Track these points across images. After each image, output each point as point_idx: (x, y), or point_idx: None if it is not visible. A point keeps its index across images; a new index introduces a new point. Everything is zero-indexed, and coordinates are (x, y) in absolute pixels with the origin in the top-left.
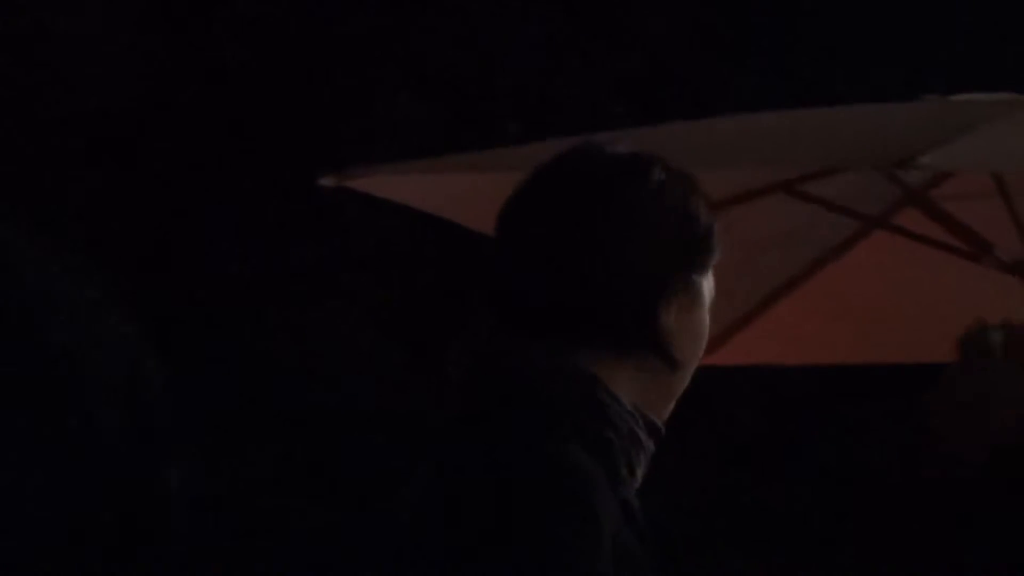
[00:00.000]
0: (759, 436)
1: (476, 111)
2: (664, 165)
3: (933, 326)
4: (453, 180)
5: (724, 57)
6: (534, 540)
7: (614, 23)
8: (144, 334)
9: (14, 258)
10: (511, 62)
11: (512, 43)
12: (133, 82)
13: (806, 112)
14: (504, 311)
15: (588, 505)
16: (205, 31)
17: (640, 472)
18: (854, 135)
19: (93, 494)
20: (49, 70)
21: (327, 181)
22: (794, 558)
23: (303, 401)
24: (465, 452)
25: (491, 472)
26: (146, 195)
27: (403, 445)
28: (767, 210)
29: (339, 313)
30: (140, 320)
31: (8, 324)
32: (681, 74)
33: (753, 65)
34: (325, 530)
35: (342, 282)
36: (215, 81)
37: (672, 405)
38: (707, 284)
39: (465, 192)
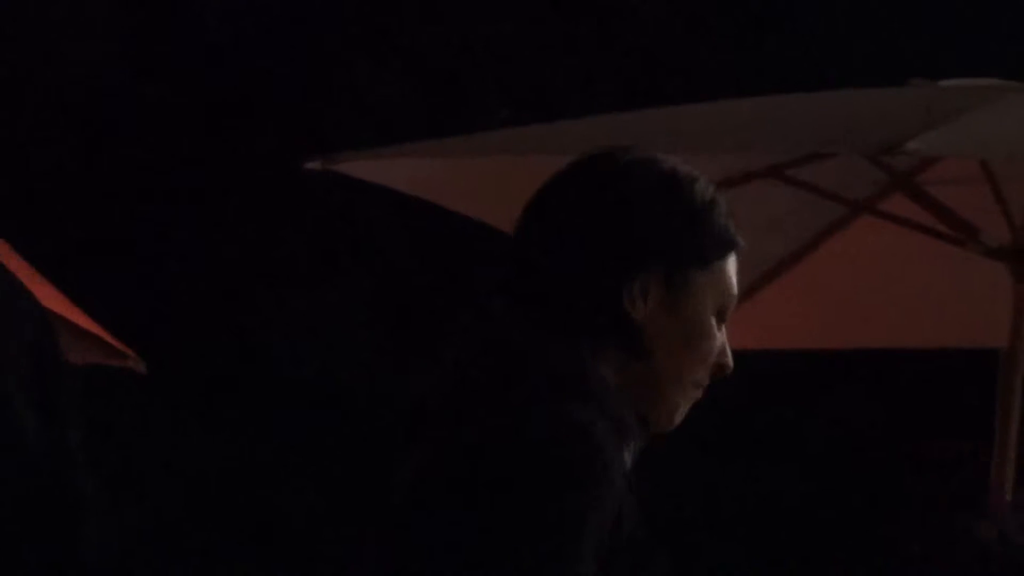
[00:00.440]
0: (743, 421)
1: (463, 96)
2: (675, 166)
3: (919, 311)
4: (438, 164)
5: (714, 44)
6: (546, 496)
7: (603, 8)
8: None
9: None
10: (499, 48)
11: (500, 29)
12: (113, 65)
13: (793, 97)
14: (509, 296)
15: (601, 459)
16: (191, 14)
17: (628, 455)
18: (841, 120)
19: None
20: (26, 51)
21: (313, 165)
22: (776, 541)
23: (289, 382)
24: (470, 426)
25: (503, 436)
26: (126, 179)
27: (392, 427)
28: (754, 195)
29: (326, 297)
30: (119, 305)
31: None
32: (670, 60)
33: (744, 53)
34: (314, 511)
35: (329, 266)
36: (200, 65)
37: (668, 405)
38: (706, 281)
39: (450, 176)
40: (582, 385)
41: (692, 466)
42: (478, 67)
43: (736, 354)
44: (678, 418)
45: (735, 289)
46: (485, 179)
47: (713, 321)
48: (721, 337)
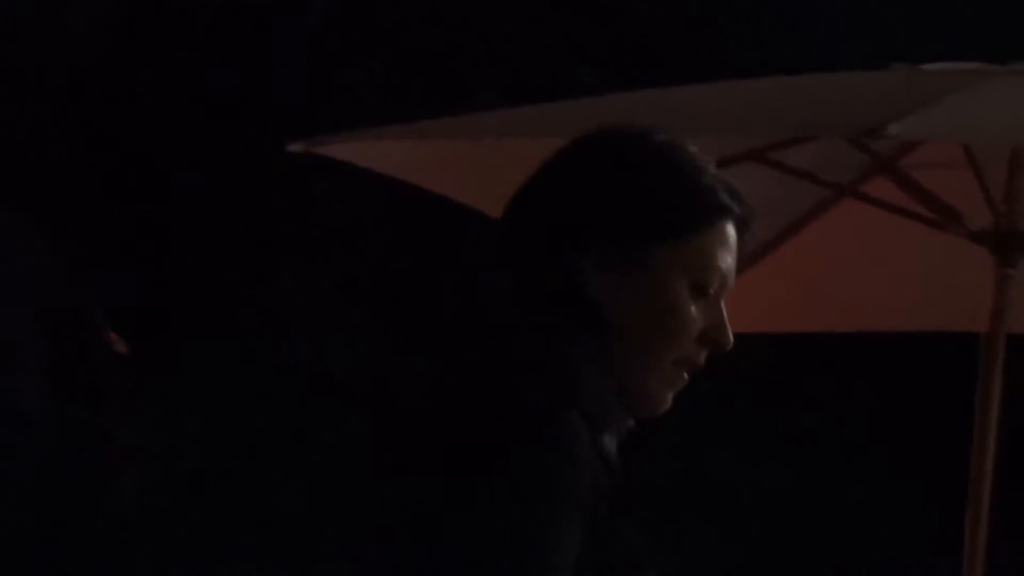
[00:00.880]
0: (723, 404)
1: (448, 78)
2: (662, 140)
3: (900, 295)
4: (422, 146)
5: (699, 29)
6: (520, 488)
7: (600, 5)
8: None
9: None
10: (484, 30)
11: (485, 11)
12: (98, 49)
13: (776, 80)
14: (492, 280)
15: (573, 455)
16: (185, 4)
17: (610, 442)
18: (824, 103)
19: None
20: (14, 33)
21: (296, 147)
22: (755, 525)
23: (273, 367)
24: (450, 425)
25: (483, 438)
26: (110, 162)
27: (375, 411)
28: (737, 178)
29: (308, 281)
30: (106, 287)
31: None
32: (656, 45)
33: (729, 39)
34: (301, 495)
35: (311, 250)
36: (184, 48)
37: (645, 386)
38: (671, 256)
39: (434, 158)
40: (556, 376)
41: (671, 450)
42: (475, 64)
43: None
44: (660, 400)
45: (721, 261)
46: (471, 161)
47: (687, 296)
48: (712, 312)
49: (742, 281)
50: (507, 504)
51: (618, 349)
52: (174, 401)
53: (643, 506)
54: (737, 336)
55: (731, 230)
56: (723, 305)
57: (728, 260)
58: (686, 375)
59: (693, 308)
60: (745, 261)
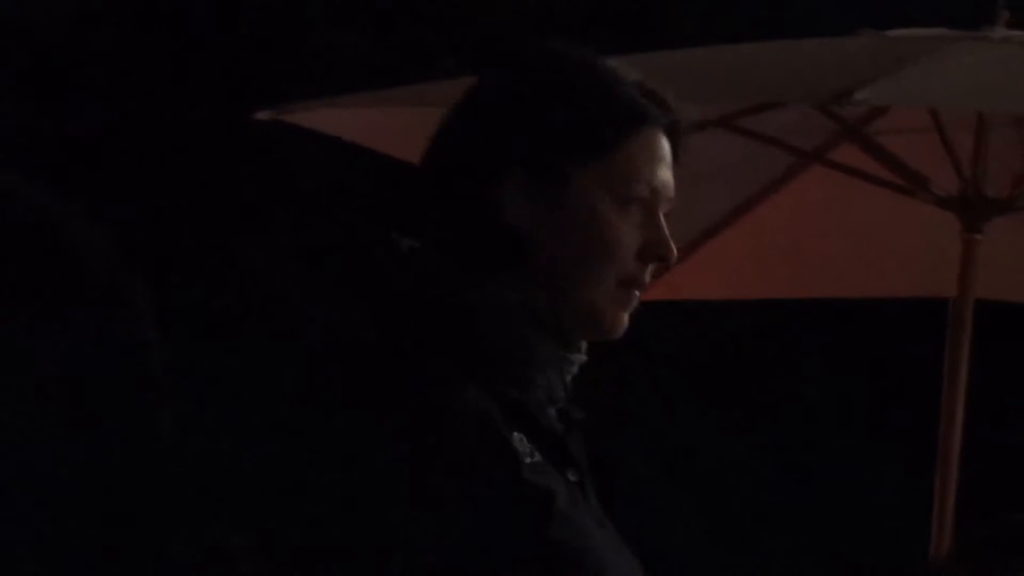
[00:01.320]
0: (695, 372)
1: (412, 45)
2: (571, 56)
3: (869, 260)
4: (389, 114)
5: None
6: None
7: None
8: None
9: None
10: (464, 8)
11: None
12: (65, 17)
13: (743, 47)
14: (412, 230)
15: (439, 410)
16: None
17: (546, 378)
18: (791, 70)
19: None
20: None
21: (263, 115)
22: (729, 494)
23: (241, 334)
24: (360, 406)
25: (344, 384)
26: (79, 131)
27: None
28: (704, 144)
29: (276, 247)
30: None
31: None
32: (625, 10)
33: (697, 4)
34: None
35: (280, 217)
36: (149, 17)
37: (589, 309)
38: (593, 173)
39: (400, 125)
40: (473, 338)
41: (641, 418)
42: (441, 31)
43: (684, 304)
44: (613, 320)
45: (648, 171)
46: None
47: (616, 211)
48: (650, 227)
49: (711, 247)
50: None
51: (553, 277)
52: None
53: (617, 477)
54: (706, 303)
55: (658, 138)
56: (662, 218)
57: (658, 170)
58: (636, 293)
59: (625, 223)
60: (714, 228)
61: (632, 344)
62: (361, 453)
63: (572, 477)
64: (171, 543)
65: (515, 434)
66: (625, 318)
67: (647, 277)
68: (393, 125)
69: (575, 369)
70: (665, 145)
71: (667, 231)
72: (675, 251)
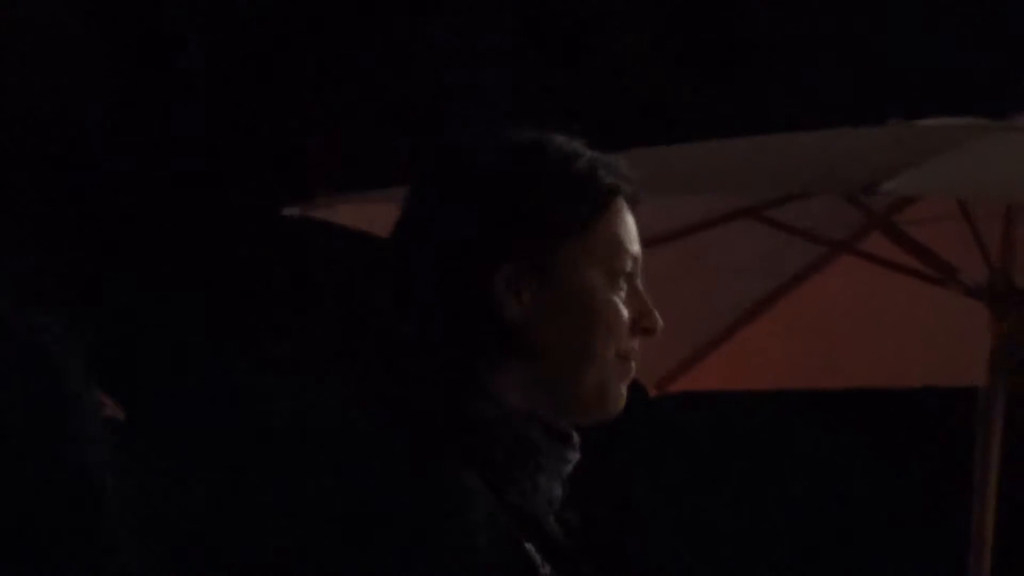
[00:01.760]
0: (726, 462)
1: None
2: (525, 141)
3: (898, 350)
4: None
5: (690, 80)
6: (406, 557)
7: (580, 50)
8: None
9: None
10: (476, 90)
11: (477, 71)
12: (97, 104)
13: (771, 138)
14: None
15: (463, 522)
16: (170, 55)
17: (547, 481)
18: (819, 161)
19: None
20: (10, 88)
21: (292, 210)
22: None
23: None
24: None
25: (361, 490)
26: (107, 217)
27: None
28: (734, 236)
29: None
30: (98, 339)
31: None
32: (649, 99)
33: (720, 88)
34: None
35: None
36: (180, 106)
37: (591, 390)
38: (582, 248)
39: None
40: (454, 422)
41: (668, 506)
42: (457, 110)
43: (715, 395)
44: (613, 400)
45: (629, 242)
46: None
47: (608, 288)
48: (635, 299)
49: (740, 338)
50: None
51: (555, 363)
52: (168, 447)
53: (648, 567)
54: (734, 394)
55: (626, 209)
56: (641, 288)
57: (633, 239)
58: (633, 365)
59: (618, 297)
60: (742, 319)
61: (662, 435)
62: (382, 560)
63: None
64: None
65: (526, 544)
66: (624, 390)
67: (637, 350)
68: None
69: (570, 468)
70: (629, 212)
71: (650, 301)
72: (661, 321)
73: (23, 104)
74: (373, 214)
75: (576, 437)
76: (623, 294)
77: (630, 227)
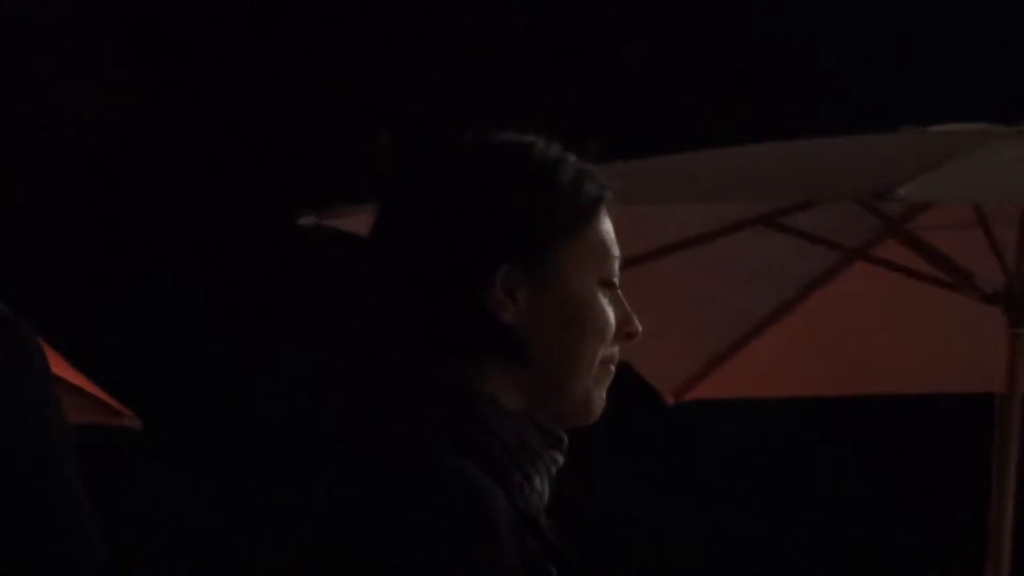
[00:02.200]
0: (742, 469)
1: None
2: (501, 142)
3: (914, 357)
4: None
5: (709, 96)
6: (433, 560)
7: (596, 69)
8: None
9: None
10: (490, 104)
11: (491, 85)
12: (111, 121)
13: (785, 145)
14: (382, 327)
15: (486, 520)
16: (184, 71)
17: (541, 483)
18: (833, 167)
19: None
20: (27, 111)
21: (307, 221)
22: None
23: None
24: (360, 474)
25: (383, 496)
26: (123, 231)
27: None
28: (748, 243)
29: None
30: (115, 363)
31: None
32: (663, 110)
33: (739, 103)
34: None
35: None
36: (194, 121)
37: (579, 396)
38: (576, 252)
39: None
40: (465, 426)
41: (691, 513)
42: (466, 122)
43: (732, 402)
44: (596, 406)
45: (615, 248)
46: None
47: (599, 291)
48: (617, 305)
49: (756, 346)
50: None
51: (547, 367)
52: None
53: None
54: (752, 401)
55: (606, 214)
56: (620, 293)
57: (615, 245)
58: (612, 369)
59: (604, 303)
60: (759, 326)
61: (679, 442)
62: (409, 565)
63: None
64: None
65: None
66: (604, 396)
67: (617, 356)
68: None
69: (555, 471)
70: (608, 218)
71: (629, 306)
72: (640, 327)
73: (44, 114)
74: None
75: (566, 440)
76: (609, 299)
77: (610, 231)
